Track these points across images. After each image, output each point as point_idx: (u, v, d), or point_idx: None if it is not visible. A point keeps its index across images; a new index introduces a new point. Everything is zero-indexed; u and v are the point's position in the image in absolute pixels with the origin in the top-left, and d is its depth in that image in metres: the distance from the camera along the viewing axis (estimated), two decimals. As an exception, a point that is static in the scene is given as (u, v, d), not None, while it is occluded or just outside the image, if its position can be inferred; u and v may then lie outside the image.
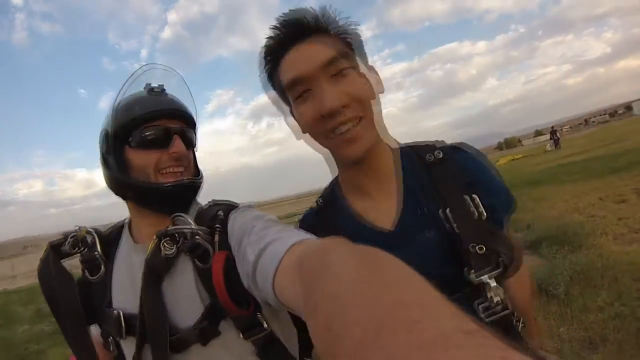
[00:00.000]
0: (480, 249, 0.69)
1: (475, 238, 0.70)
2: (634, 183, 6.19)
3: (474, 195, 0.72)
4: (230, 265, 0.73)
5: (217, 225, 0.77)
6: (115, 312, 0.78)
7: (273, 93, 0.82)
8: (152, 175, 0.79)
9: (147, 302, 0.75)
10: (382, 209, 0.79)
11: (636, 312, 2.49)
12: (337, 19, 0.74)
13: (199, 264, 0.75)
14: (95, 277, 0.83)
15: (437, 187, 0.76)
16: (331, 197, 0.88)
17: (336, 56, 0.70)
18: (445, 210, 0.73)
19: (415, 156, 0.80)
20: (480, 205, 0.71)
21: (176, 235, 0.77)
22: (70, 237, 0.84)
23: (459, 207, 0.72)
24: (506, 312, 0.69)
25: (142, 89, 0.84)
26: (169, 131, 0.80)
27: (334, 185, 0.89)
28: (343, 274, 0.31)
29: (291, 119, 0.82)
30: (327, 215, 0.87)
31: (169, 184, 0.78)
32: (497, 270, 0.69)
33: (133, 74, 0.86)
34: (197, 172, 0.89)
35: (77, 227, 0.86)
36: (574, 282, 3.09)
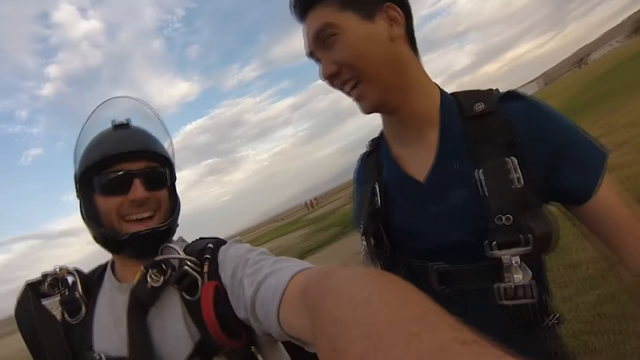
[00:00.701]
0: (508, 219, 0.63)
1: (505, 207, 0.63)
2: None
3: (512, 158, 0.64)
4: (220, 295, 0.70)
5: (207, 256, 0.76)
6: (97, 355, 0.72)
7: None
8: (115, 222, 0.75)
9: (133, 338, 0.70)
10: (419, 158, 0.77)
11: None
12: None
13: (187, 296, 0.72)
14: (75, 320, 0.78)
15: (474, 144, 0.69)
16: (377, 141, 0.89)
17: (323, 25, 0.71)
18: (479, 170, 0.67)
19: (456, 107, 0.75)
20: (517, 170, 0.64)
21: (163, 265, 0.75)
22: (50, 277, 0.80)
23: (494, 169, 0.65)
24: (529, 300, 0.62)
25: (109, 125, 0.81)
26: (128, 175, 0.75)
27: (382, 131, 0.88)
28: (344, 296, 0.32)
29: None
30: (373, 158, 0.88)
31: (126, 235, 0.74)
32: (523, 249, 0.62)
33: (95, 109, 0.83)
34: (172, 212, 0.83)
35: (56, 267, 0.82)
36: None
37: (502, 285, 0.63)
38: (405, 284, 0.32)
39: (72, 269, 0.82)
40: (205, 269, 0.74)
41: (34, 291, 0.78)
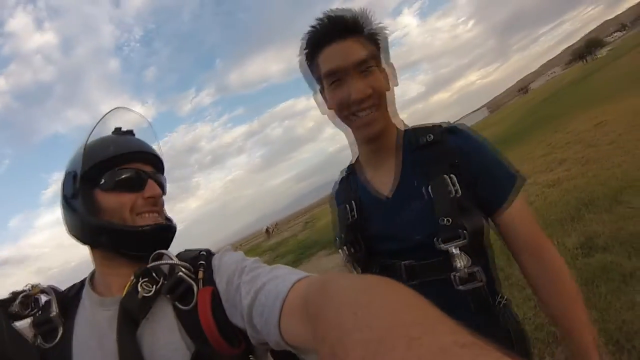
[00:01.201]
0: (448, 221, 0.80)
1: (445, 212, 0.81)
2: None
3: (452, 175, 0.84)
4: (216, 301, 0.69)
5: (201, 262, 0.75)
6: None
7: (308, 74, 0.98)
8: (128, 217, 0.75)
9: (124, 354, 0.66)
10: (387, 180, 0.95)
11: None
12: (371, 21, 0.90)
13: (180, 306, 0.69)
14: (50, 343, 0.71)
15: (424, 166, 0.89)
16: (352, 168, 1.08)
17: (366, 57, 0.86)
18: (428, 187, 0.86)
19: (413, 138, 0.94)
20: (457, 184, 0.83)
21: (155, 274, 0.72)
22: (20, 296, 0.73)
23: (438, 185, 0.84)
24: (479, 284, 0.79)
25: (110, 132, 0.82)
26: (144, 174, 0.78)
27: (357, 159, 1.07)
28: (344, 303, 0.32)
29: (319, 96, 1.00)
30: (349, 182, 1.06)
31: (147, 226, 0.74)
32: (461, 241, 0.79)
33: (104, 115, 0.84)
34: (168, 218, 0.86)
35: (28, 286, 0.76)
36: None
37: (457, 274, 0.79)
38: (405, 289, 0.32)
39: (46, 287, 0.77)
40: (200, 275, 0.73)
41: (3, 311, 0.71)
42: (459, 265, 0.79)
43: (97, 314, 0.72)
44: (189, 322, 0.68)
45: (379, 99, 0.88)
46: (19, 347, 0.69)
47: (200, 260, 0.76)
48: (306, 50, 0.94)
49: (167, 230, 0.79)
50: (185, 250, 0.82)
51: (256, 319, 0.61)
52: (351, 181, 1.05)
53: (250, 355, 0.71)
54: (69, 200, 0.77)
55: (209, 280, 0.72)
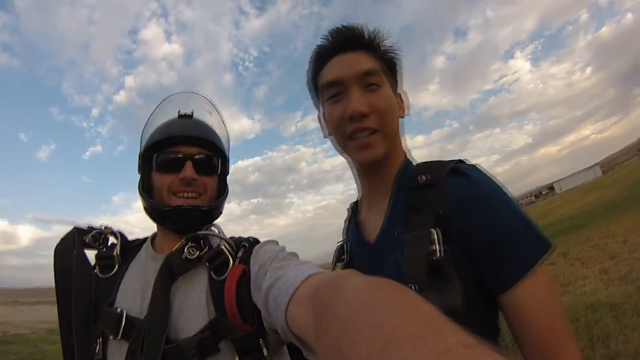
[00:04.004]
0: (414, 288, 0.62)
1: (413, 276, 0.63)
2: (559, 249, 7.23)
3: (433, 230, 0.65)
4: (245, 279, 0.73)
5: (244, 244, 0.81)
6: (118, 309, 0.76)
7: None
8: (165, 197, 0.82)
9: (154, 302, 0.73)
10: (375, 223, 0.81)
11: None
12: (385, 41, 0.82)
13: (214, 276, 0.76)
14: (105, 276, 0.83)
15: (411, 213, 0.72)
16: (355, 204, 0.97)
17: (373, 70, 0.77)
18: (408, 238, 0.69)
19: (412, 175, 0.76)
20: (436, 241, 0.64)
21: (202, 242, 0.80)
22: (95, 231, 0.86)
23: (416, 239, 0.67)
24: None
25: (176, 115, 0.90)
26: (183, 156, 0.82)
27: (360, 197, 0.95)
28: (354, 300, 0.32)
29: (322, 119, 0.89)
30: (349, 219, 0.96)
31: (168, 207, 0.80)
32: None
33: (168, 97, 0.93)
34: (217, 198, 0.89)
35: (102, 226, 0.89)
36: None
37: None
38: (414, 294, 0.32)
39: (116, 231, 0.89)
40: (240, 254, 0.78)
41: (79, 237, 0.84)
42: None
43: (149, 265, 0.82)
44: (216, 292, 0.74)
45: (379, 122, 0.76)
46: (82, 268, 0.81)
47: (244, 243, 0.81)
48: (310, 69, 0.87)
49: (191, 213, 0.81)
50: (239, 237, 0.86)
51: (270, 302, 0.64)
52: (351, 219, 0.94)
53: (260, 339, 0.72)
54: (139, 179, 0.88)
55: (245, 260, 0.77)
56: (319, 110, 0.91)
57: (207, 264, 0.77)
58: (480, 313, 0.67)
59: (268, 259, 0.73)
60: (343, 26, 0.82)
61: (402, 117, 0.84)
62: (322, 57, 0.83)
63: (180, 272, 0.78)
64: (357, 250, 0.87)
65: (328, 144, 0.92)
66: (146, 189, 0.86)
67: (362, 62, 0.78)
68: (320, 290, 0.44)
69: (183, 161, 0.82)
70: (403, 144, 0.86)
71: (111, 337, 0.75)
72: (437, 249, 0.63)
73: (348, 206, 1.00)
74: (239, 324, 0.70)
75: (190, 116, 0.89)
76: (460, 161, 0.75)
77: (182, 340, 0.71)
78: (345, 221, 1.01)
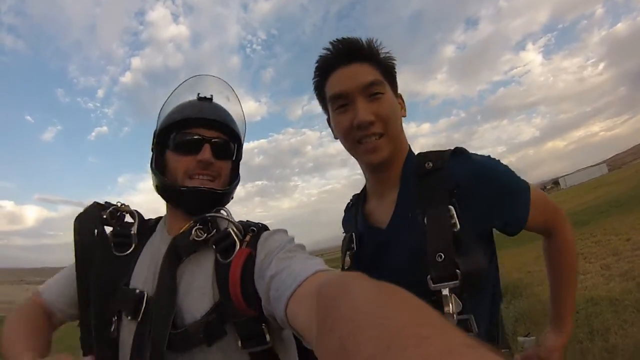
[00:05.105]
0: (440, 257, 0.72)
1: (439, 247, 0.73)
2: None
3: (450, 207, 0.76)
4: (250, 262, 0.73)
5: (253, 228, 0.81)
6: (137, 290, 0.76)
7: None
8: (180, 178, 0.82)
9: (161, 281, 0.74)
10: (385, 212, 0.90)
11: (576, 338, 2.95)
12: (380, 48, 0.89)
13: (220, 258, 0.75)
14: (120, 254, 0.83)
15: (423, 195, 0.81)
16: (358, 197, 1.05)
17: (375, 81, 0.85)
18: (424, 218, 0.78)
19: (417, 165, 0.86)
20: (455, 216, 0.75)
21: (210, 224, 0.80)
22: (112, 207, 0.87)
23: (436, 216, 0.76)
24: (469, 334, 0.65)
25: (195, 97, 0.89)
26: (201, 139, 0.82)
27: (364, 188, 1.04)
28: (360, 300, 0.33)
29: (331, 122, 0.96)
30: (353, 210, 1.05)
31: (184, 188, 0.80)
32: (453, 282, 0.70)
33: (187, 79, 0.92)
34: (230, 183, 0.89)
35: (119, 203, 0.89)
36: (518, 322, 3.57)
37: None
38: (418, 299, 0.32)
39: (134, 210, 0.90)
40: (247, 238, 0.78)
41: (98, 212, 0.85)
42: (447, 310, 0.70)
43: (162, 246, 0.82)
44: (221, 275, 0.73)
45: (384, 127, 0.85)
46: (101, 243, 0.81)
47: (253, 227, 0.81)
48: (315, 79, 0.94)
49: (205, 195, 0.82)
50: (248, 221, 0.86)
51: (272, 291, 0.64)
52: (356, 210, 1.02)
53: (264, 324, 0.71)
54: (152, 156, 0.87)
55: (252, 245, 0.76)
56: (327, 115, 0.98)
57: (214, 246, 0.77)
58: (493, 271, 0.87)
59: (275, 248, 0.73)
60: (343, 38, 0.89)
61: (404, 116, 0.94)
62: (326, 69, 0.90)
63: (187, 254, 0.78)
64: (366, 238, 0.94)
65: (333, 128, 0.97)
66: (159, 168, 0.85)
67: (364, 74, 0.85)
68: (325, 288, 0.45)
69: (201, 143, 0.82)
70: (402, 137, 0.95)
71: (128, 318, 0.75)
72: (457, 222, 0.75)
73: (349, 201, 1.11)
74: (242, 308, 0.70)
75: (210, 99, 0.90)
76: (457, 148, 0.87)
77: (189, 326, 0.71)
78: (345, 211, 1.11)
